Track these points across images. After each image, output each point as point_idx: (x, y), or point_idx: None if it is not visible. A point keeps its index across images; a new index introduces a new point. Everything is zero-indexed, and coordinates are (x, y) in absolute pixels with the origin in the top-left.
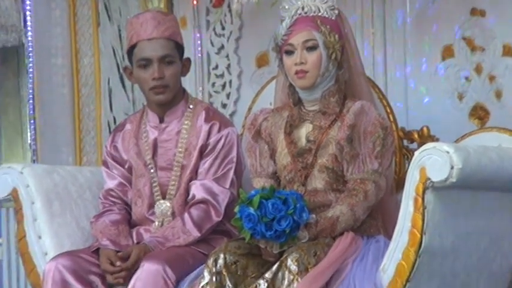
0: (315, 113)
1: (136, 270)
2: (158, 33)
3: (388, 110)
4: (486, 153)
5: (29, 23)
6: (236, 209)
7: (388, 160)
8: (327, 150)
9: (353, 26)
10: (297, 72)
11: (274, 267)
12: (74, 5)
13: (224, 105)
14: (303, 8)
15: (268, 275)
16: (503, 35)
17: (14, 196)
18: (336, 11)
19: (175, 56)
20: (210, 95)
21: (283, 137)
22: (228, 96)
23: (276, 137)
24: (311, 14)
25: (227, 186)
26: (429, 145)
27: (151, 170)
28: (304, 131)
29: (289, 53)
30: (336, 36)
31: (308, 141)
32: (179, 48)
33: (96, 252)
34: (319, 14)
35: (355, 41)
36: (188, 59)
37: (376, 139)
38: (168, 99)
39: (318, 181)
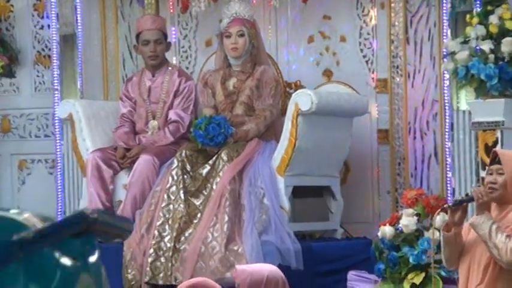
0: (238, 72)
1: (137, 159)
2: (153, 26)
3: (278, 71)
4: (331, 95)
5: (79, 21)
6: (191, 130)
7: (277, 98)
8: (244, 92)
9: (261, 23)
10: (232, 48)
11: (214, 157)
12: (104, 11)
13: (187, 68)
14: (236, 13)
15: (211, 161)
16: (340, 30)
17: (70, 117)
18: (253, 17)
19: (163, 39)
20: (180, 62)
21: (219, 85)
22: (189, 63)
23: (216, 85)
24: (241, 17)
25: (189, 113)
26: (300, 90)
27: (147, 103)
28: (232, 82)
29: (228, 37)
30: (254, 31)
31: (234, 87)
32: (165, 35)
33: (116, 149)
34: (245, 17)
35: (260, 33)
36: (169, 42)
37: (271, 86)
38: (157, 64)
39: (238, 110)
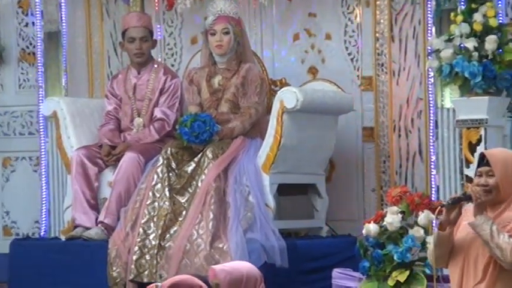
0: (223, 69)
1: (122, 157)
2: (139, 23)
3: (263, 68)
4: (316, 93)
5: (63, 18)
6: (177, 127)
7: (263, 96)
8: (230, 90)
9: (246, 21)
10: (217, 46)
11: (199, 155)
12: (88, 8)
13: (172, 65)
14: (221, 11)
15: (196, 159)
16: (326, 28)
17: (54, 114)
18: (238, 14)
19: (149, 37)
20: (165, 59)
21: (205, 83)
22: (175, 60)
23: (201, 83)
24: (226, 14)
25: (174, 110)
26: (285, 88)
27: (132, 101)
28: (217, 80)
29: (213, 34)
30: (239, 28)
31: (219, 85)
32: (151, 33)
33: (100, 146)
34: (230, 15)
35: (246, 31)
36: (155, 40)
37: (257, 84)
38: (143, 61)
39: (224, 107)
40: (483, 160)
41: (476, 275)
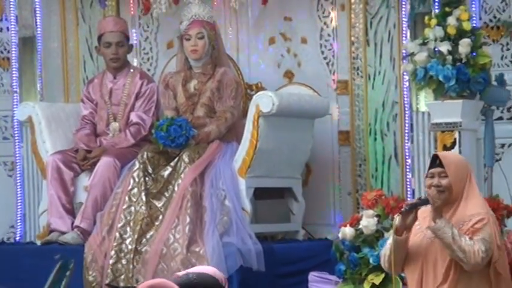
0: (199, 74)
1: (98, 161)
2: (115, 28)
3: (239, 72)
4: (292, 96)
5: (38, 23)
6: (153, 131)
7: (238, 100)
8: (205, 94)
9: (221, 25)
10: (191, 50)
11: (176, 159)
12: (64, 13)
13: (148, 70)
14: (195, 15)
15: (172, 163)
16: (301, 32)
17: (29, 119)
18: (213, 19)
19: (124, 42)
20: (141, 64)
21: (180, 87)
22: (151, 64)
23: (177, 87)
24: (200, 19)
25: (150, 115)
26: (261, 92)
27: (108, 105)
28: (193, 84)
29: (188, 39)
30: (213, 33)
31: (195, 89)
32: (127, 37)
33: (76, 151)
34: (205, 19)
35: (221, 35)
36: (131, 44)
37: (232, 88)
38: (119, 66)
39: (200, 112)
40: (435, 161)
41: (436, 279)
